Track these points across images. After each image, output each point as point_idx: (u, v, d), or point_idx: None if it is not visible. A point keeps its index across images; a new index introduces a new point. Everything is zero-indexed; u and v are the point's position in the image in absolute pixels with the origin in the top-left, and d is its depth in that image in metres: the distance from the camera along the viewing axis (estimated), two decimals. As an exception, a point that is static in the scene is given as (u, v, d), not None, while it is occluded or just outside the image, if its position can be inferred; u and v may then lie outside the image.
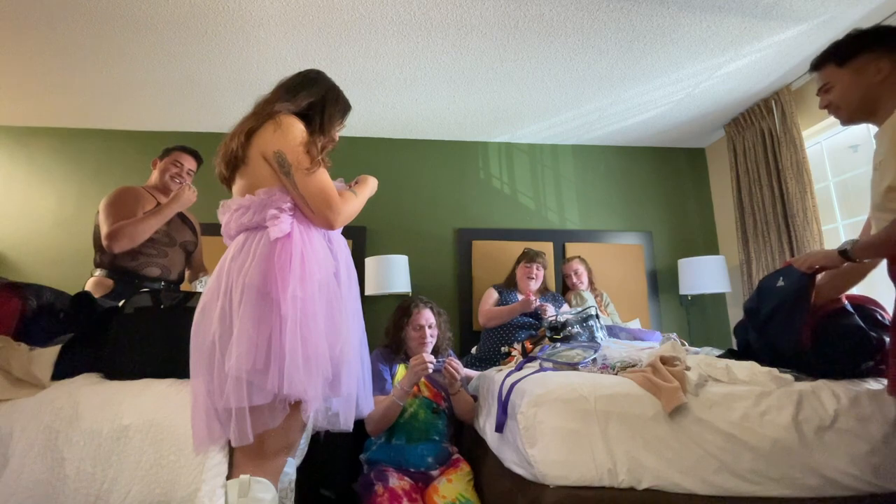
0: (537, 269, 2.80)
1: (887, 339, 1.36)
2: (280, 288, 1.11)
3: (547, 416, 1.36)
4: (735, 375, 1.47)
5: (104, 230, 1.86)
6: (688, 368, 1.53)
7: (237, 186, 1.29)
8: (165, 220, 1.94)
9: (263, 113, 1.27)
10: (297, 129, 1.24)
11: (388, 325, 2.17)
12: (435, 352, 2.10)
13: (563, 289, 3.09)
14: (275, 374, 1.07)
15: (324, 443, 2.11)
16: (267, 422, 1.11)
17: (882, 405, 1.33)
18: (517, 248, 3.09)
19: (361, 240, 3.25)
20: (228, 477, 1.14)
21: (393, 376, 2.02)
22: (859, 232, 1.42)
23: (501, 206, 3.48)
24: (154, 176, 2.12)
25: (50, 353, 1.31)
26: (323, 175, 1.24)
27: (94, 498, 1.09)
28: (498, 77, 2.72)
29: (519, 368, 1.81)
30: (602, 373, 1.64)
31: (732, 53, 2.52)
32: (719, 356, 1.70)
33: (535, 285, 2.78)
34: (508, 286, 2.87)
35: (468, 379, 2.24)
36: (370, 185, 1.46)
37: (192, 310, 1.21)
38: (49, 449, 1.11)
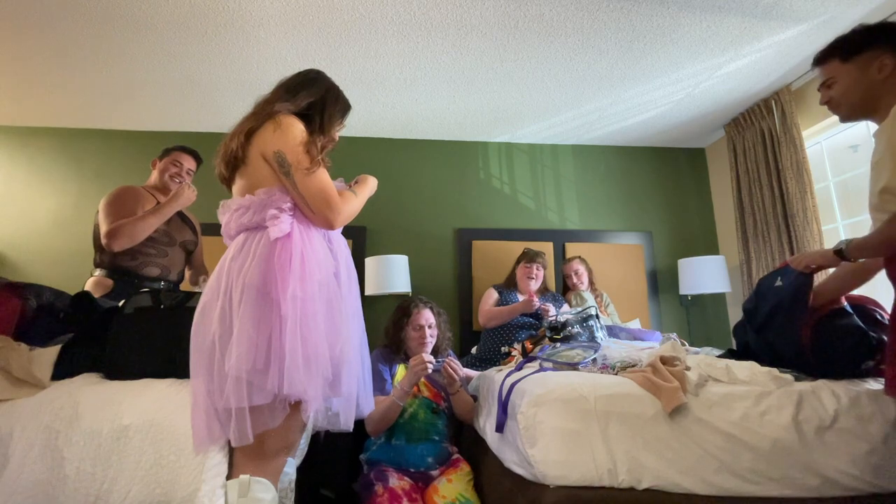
0: (537, 269, 2.80)
1: (887, 339, 1.36)
2: (280, 288, 1.11)
3: (547, 416, 1.36)
4: (735, 375, 1.47)
5: (103, 229, 1.85)
6: (688, 368, 1.53)
7: (237, 186, 1.29)
8: (165, 218, 1.93)
9: (263, 113, 1.27)
10: (296, 129, 1.24)
11: (387, 325, 2.17)
12: (435, 352, 2.10)
13: (564, 289, 3.09)
14: (275, 374, 1.07)
15: (324, 443, 2.11)
16: (267, 422, 1.11)
17: (882, 405, 1.33)
18: (517, 248, 3.09)
19: (361, 240, 3.25)
20: (228, 477, 1.14)
21: (393, 376, 2.02)
22: (860, 232, 1.42)
23: (501, 206, 3.48)
24: (154, 176, 2.12)
25: (50, 353, 1.31)
26: (323, 175, 1.24)
27: (93, 498, 1.09)
28: (498, 77, 2.72)
29: (519, 368, 1.81)
30: (602, 373, 1.64)
31: (732, 53, 2.52)
32: (719, 356, 1.70)
33: (535, 285, 2.78)
34: (508, 286, 2.87)
35: (468, 379, 2.24)
36: (370, 185, 1.46)
37: (192, 310, 1.21)
38: (49, 449, 1.11)
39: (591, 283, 2.98)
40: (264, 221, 1.19)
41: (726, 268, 3.16)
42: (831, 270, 1.48)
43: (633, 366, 1.64)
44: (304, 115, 1.31)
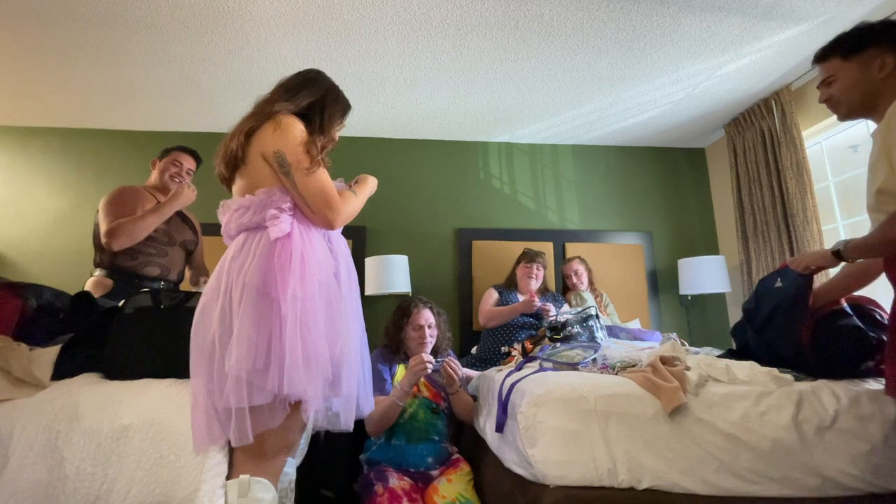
0: (537, 268, 2.80)
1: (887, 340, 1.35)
2: (280, 288, 1.11)
3: (547, 416, 1.36)
4: (735, 375, 1.47)
5: (103, 228, 1.85)
6: (688, 368, 1.54)
7: (237, 186, 1.29)
8: (165, 217, 1.93)
9: (263, 113, 1.27)
10: (296, 129, 1.24)
11: (387, 325, 2.17)
12: (434, 352, 2.10)
13: (563, 289, 3.09)
14: (275, 375, 1.07)
15: (324, 443, 2.11)
16: (267, 422, 1.11)
17: (882, 405, 1.33)
18: (517, 248, 3.09)
19: (361, 240, 3.25)
20: (228, 477, 1.14)
21: (393, 376, 2.02)
22: (860, 232, 1.41)
23: (501, 206, 3.48)
24: (153, 176, 2.12)
25: (50, 353, 1.31)
26: (323, 175, 1.24)
27: (93, 498, 1.09)
28: (498, 77, 2.72)
29: (519, 368, 1.81)
30: (602, 373, 1.64)
31: (732, 53, 2.52)
32: (719, 356, 1.70)
33: (535, 285, 2.78)
34: (508, 286, 2.87)
35: (468, 379, 2.25)
36: (370, 185, 1.46)
37: (192, 310, 1.21)
38: (49, 449, 1.11)
39: (590, 283, 2.98)
40: (264, 221, 1.19)
41: (726, 268, 3.16)
42: (832, 271, 1.48)
43: (633, 366, 1.64)
44: (304, 115, 1.31)
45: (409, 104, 3.02)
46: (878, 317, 1.45)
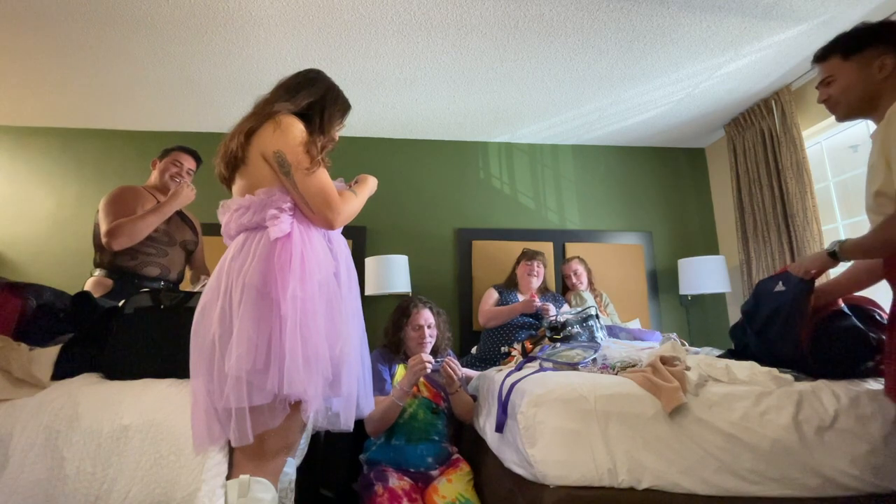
0: (538, 265, 2.80)
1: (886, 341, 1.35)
2: (280, 288, 1.11)
3: (547, 416, 1.36)
4: (735, 375, 1.47)
5: (103, 228, 1.86)
6: (688, 368, 1.53)
7: (237, 186, 1.29)
8: (165, 217, 1.93)
9: (263, 113, 1.27)
10: (296, 129, 1.24)
11: (387, 326, 2.17)
12: (434, 352, 2.10)
13: (563, 289, 3.09)
14: (275, 375, 1.07)
15: (324, 443, 2.11)
16: (267, 422, 1.11)
17: (882, 405, 1.33)
18: (517, 248, 3.09)
19: (361, 240, 3.25)
20: (228, 477, 1.14)
21: (392, 376, 2.02)
22: (860, 232, 1.41)
23: (501, 206, 3.48)
24: (154, 176, 2.12)
25: (50, 353, 1.30)
26: (323, 175, 1.24)
27: (93, 498, 1.09)
28: (498, 77, 2.72)
29: (519, 368, 1.81)
30: (602, 373, 1.64)
31: (732, 53, 2.52)
32: (719, 356, 1.70)
33: (536, 282, 2.78)
34: (508, 286, 2.87)
35: (468, 379, 2.25)
36: (370, 185, 1.46)
37: (192, 310, 1.21)
38: (49, 449, 1.11)
39: (590, 283, 2.98)
40: (264, 221, 1.19)
41: (726, 268, 3.16)
42: (832, 271, 1.48)
43: (633, 366, 1.64)
44: (303, 115, 1.31)
45: (409, 104, 3.02)
46: (877, 317, 1.45)
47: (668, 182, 3.66)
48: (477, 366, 2.55)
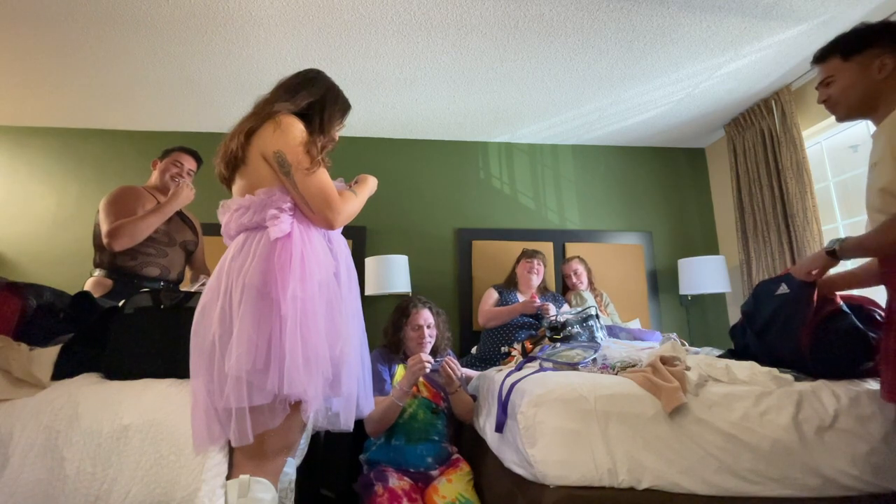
0: (538, 263, 2.81)
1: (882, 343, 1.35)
2: (280, 288, 1.11)
3: (547, 416, 1.36)
4: (735, 375, 1.47)
5: (104, 228, 1.86)
6: (688, 368, 1.53)
7: (237, 186, 1.29)
8: (165, 217, 1.93)
9: (263, 113, 1.27)
10: (296, 129, 1.24)
11: (386, 326, 2.17)
12: (434, 352, 2.10)
13: (563, 289, 3.09)
14: (275, 375, 1.07)
15: (324, 443, 2.11)
16: (267, 422, 1.11)
17: (882, 405, 1.33)
18: (517, 248, 3.09)
19: (361, 240, 3.25)
20: (228, 477, 1.14)
21: (392, 376, 2.02)
22: (860, 232, 1.41)
23: (501, 206, 3.48)
24: (154, 176, 2.12)
25: (50, 353, 1.30)
26: (323, 175, 1.24)
27: (93, 498, 1.09)
28: (498, 77, 2.72)
29: (519, 368, 1.81)
30: (602, 373, 1.64)
31: (732, 53, 2.52)
32: (719, 356, 1.70)
33: (536, 280, 2.78)
34: (508, 286, 2.87)
35: (467, 379, 2.24)
36: (370, 185, 1.46)
37: (192, 310, 1.21)
38: (49, 449, 1.11)
39: (590, 282, 2.98)
40: (264, 221, 1.19)
41: (726, 268, 3.16)
42: (832, 272, 1.48)
43: (633, 366, 1.64)
44: (303, 115, 1.31)
45: (409, 104, 3.02)
46: (877, 317, 1.45)
47: (668, 182, 3.66)
48: (477, 366, 2.55)
